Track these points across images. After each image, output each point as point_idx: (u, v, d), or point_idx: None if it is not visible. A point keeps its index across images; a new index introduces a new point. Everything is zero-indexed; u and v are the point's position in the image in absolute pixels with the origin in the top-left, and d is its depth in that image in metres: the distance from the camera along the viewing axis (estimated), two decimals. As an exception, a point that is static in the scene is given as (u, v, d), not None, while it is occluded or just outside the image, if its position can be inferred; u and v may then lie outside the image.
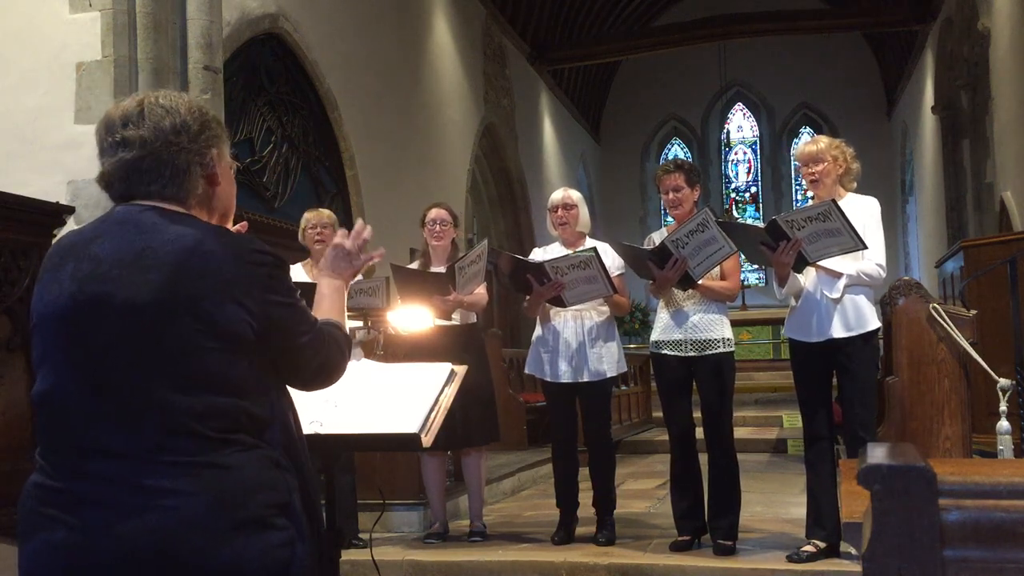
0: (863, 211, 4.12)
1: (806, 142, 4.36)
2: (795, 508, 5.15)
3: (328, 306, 2.00)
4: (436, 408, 2.31)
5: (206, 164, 1.76)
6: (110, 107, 1.81)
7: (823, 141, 4.28)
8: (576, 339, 4.75)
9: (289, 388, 1.83)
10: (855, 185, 4.32)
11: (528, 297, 4.78)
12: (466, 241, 12.31)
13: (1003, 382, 4.09)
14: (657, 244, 4.46)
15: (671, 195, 4.56)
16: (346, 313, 2.05)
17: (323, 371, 1.83)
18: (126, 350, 1.60)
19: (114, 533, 1.54)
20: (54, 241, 1.81)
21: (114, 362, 1.61)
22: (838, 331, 4.12)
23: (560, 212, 4.86)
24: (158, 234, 1.66)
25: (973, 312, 4.52)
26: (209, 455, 1.59)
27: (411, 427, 2.24)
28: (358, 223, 2.12)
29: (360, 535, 4.83)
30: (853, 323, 4.12)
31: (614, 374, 4.83)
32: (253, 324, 1.66)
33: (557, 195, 4.95)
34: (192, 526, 1.54)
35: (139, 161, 1.72)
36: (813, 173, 4.21)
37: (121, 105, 1.77)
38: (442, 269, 4.85)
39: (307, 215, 5.11)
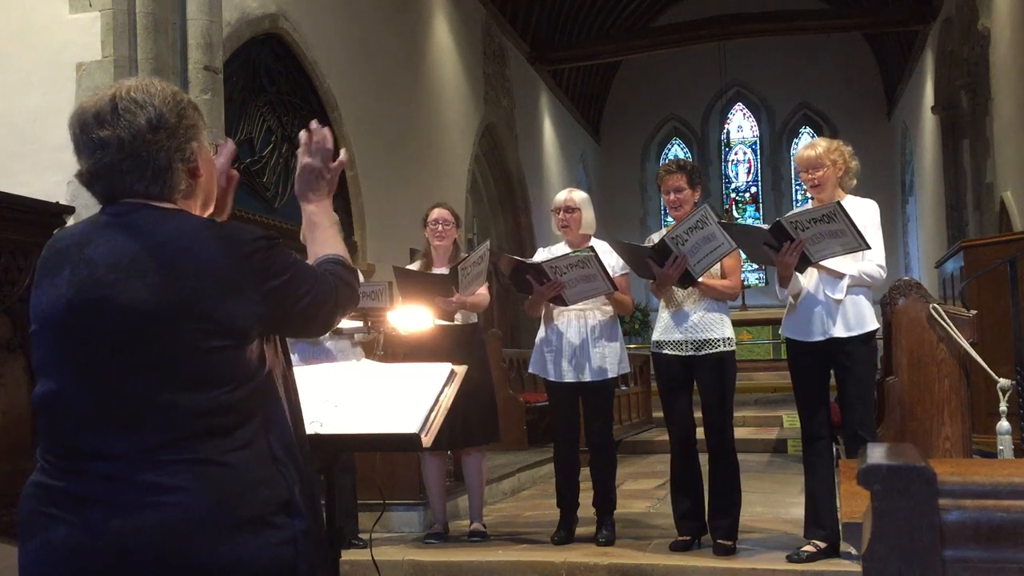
0: (863, 214, 4.12)
1: (804, 147, 4.35)
2: (795, 508, 5.15)
3: (321, 236, 1.96)
4: (436, 408, 2.31)
5: (188, 159, 1.72)
6: (83, 100, 1.74)
7: (821, 145, 4.28)
8: (579, 338, 4.75)
9: (294, 386, 1.83)
10: (855, 182, 4.32)
11: (530, 296, 4.78)
12: (466, 241, 12.32)
13: (1003, 382, 4.09)
14: (656, 242, 4.46)
15: (672, 196, 4.56)
16: (339, 233, 2.00)
17: (334, 314, 1.83)
18: (127, 354, 1.60)
19: (115, 531, 1.54)
20: (46, 243, 1.78)
21: (115, 366, 1.60)
22: (838, 331, 4.13)
23: (562, 215, 4.85)
24: (151, 235, 1.64)
25: (973, 312, 4.52)
26: (210, 452, 1.58)
27: (411, 427, 2.24)
28: (302, 137, 2.00)
29: (360, 535, 4.83)
30: (853, 323, 4.13)
31: (616, 374, 4.83)
32: (256, 312, 1.66)
33: (560, 196, 4.93)
34: (193, 523, 1.54)
35: (119, 163, 1.68)
36: (813, 179, 4.23)
37: (93, 100, 1.71)
38: (444, 270, 4.86)
39: (308, 215, 5.10)
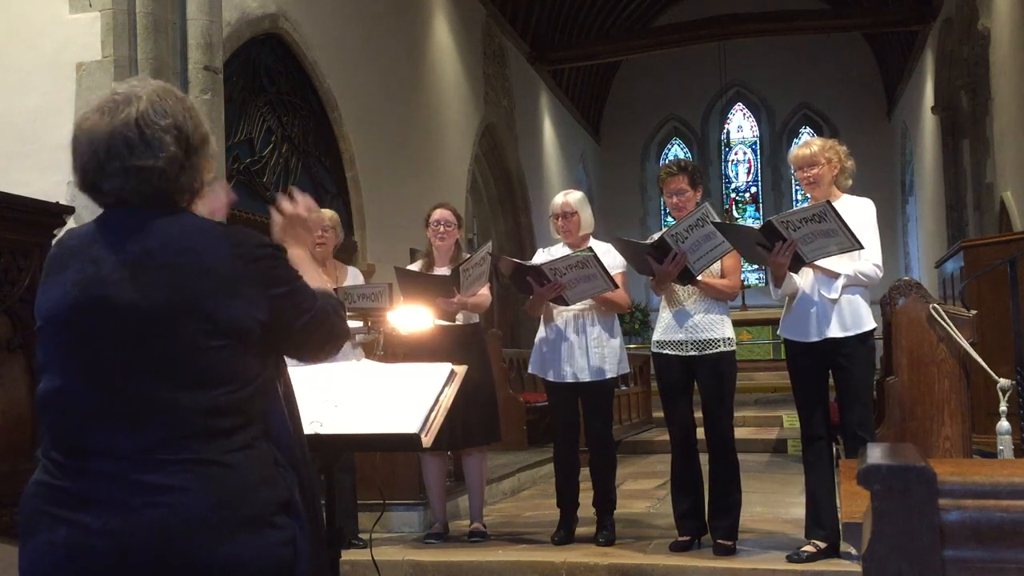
0: (859, 213, 4.13)
1: (799, 145, 4.37)
2: (795, 508, 5.15)
3: (308, 278, 1.98)
4: (436, 408, 2.31)
5: (200, 179, 1.76)
6: (90, 115, 1.69)
7: (816, 144, 4.29)
8: (578, 338, 4.75)
9: (292, 388, 1.84)
10: (850, 182, 4.33)
11: (531, 297, 4.78)
12: (466, 241, 12.31)
13: (1003, 382, 4.09)
14: (656, 239, 4.45)
15: (675, 199, 4.54)
16: (318, 277, 2.06)
17: (328, 341, 1.85)
18: (131, 352, 1.61)
19: (115, 531, 1.54)
20: (54, 242, 1.78)
21: (119, 365, 1.61)
22: (835, 331, 4.13)
23: (560, 221, 4.85)
24: (158, 235, 1.65)
25: (973, 312, 4.51)
26: (211, 453, 1.59)
27: (411, 427, 2.24)
28: (280, 201, 2.09)
29: (360, 535, 4.83)
30: (850, 323, 4.13)
31: (615, 374, 4.83)
32: (258, 317, 1.67)
33: (557, 201, 4.90)
34: (193, 523, 1.55)
35: (145, 186, 1.66)
36: (808, 177, 4.23)
37: (106, 121, 1.66)
38: (446, 270, 4.86)
39: (308, 216, 5.10)
